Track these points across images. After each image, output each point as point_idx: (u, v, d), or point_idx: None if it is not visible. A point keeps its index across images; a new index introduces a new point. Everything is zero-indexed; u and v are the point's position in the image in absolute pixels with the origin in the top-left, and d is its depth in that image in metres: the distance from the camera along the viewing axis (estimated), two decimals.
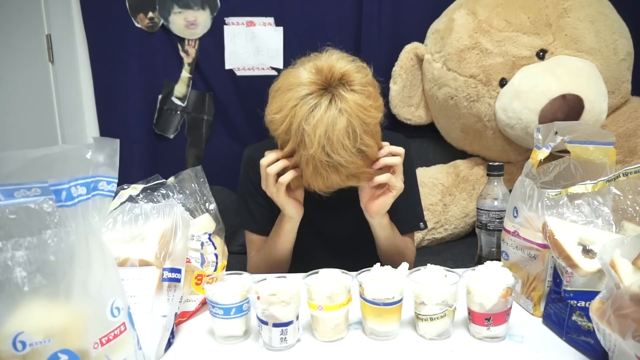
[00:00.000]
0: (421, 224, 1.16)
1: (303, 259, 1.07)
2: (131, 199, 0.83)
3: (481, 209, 1.00)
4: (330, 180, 0.88)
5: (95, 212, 0.56)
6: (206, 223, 0.91)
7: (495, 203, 0.98)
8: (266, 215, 1.11)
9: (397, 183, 0.94)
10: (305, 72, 0.88)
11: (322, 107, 0.84)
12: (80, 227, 0.53)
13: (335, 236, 1.15)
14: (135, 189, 0.85)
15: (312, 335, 0.74)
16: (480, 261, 0.99)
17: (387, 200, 0.96)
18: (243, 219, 1.16)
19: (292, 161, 0.92)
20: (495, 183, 0.99)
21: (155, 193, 0.87)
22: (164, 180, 0.90)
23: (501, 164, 1.01)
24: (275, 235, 1.06)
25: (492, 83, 1.44)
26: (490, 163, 1.01)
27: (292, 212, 0.99)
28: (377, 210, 0.98)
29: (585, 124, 1.30)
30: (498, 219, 0.98)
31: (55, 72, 1.72)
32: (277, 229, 1.06)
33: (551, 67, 1.37)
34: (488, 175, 1.01)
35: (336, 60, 0.88)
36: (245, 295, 0.73)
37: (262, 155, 0.96)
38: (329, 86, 0.86)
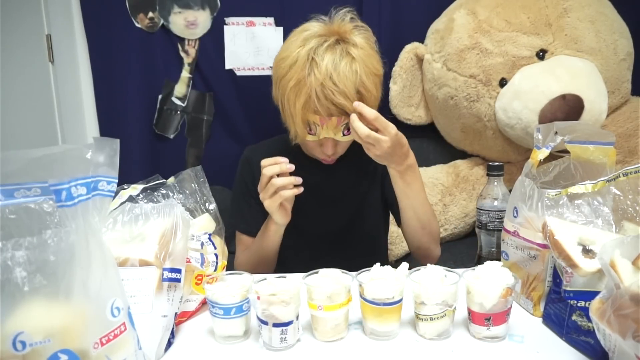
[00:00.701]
0: None
1: (302, 253, 1.07)
2: (131, 199, 0.83)
3: (481, 209, 1.00)
4: (340, 106, 0.92)
5: (95, 212, 0.56)
6: (206, 223, 0.91)
7: (495, 203, 0.98)
8: (257, 217, 1.12)
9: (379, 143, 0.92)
10: (315, 23, 0.98)
11: (329, 42, 0.93)
12: (80, 227, 0.53)
13: (326, 228, 1.16)
14: (135, 189, 0.85)
15: (312, 335, 0.74)
16: (480, 261, 0.99)
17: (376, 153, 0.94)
18: (233, 219, 1.18)
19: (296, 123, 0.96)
20: (495, 183, 0.99)
21: (155, 193, 0.87)
22: (164, 180, 0.90)
23: (501, 164, 1.01)
24: (262, 236, 1.07)
25: (492, 83, 1.44)
26: (490, 163, 1.01)
27: (279, 220, 1.01)
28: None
29: (585, 124, 1.30)
30: (498, 219, 0.98)
31: (55, 72, 1.72)
32: (264, 230, 1.07)
33: (551, 67, 1.36)
34: (488, 175, 1.01)
35: (344, 15, 0.98)
36: (246, 295, 0.73)
37: (260, 157, 0.97)
38: (337, 34, 0.96)
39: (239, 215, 1.17)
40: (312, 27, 0.97)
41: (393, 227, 1.41)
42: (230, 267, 0.96)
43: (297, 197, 0.99)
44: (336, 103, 0.92)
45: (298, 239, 1.12)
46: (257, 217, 1.12)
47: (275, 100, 1.06)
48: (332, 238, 1.16)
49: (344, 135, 0.98)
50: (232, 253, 1.12)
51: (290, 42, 0.97)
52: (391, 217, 1.31)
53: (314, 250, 1.11)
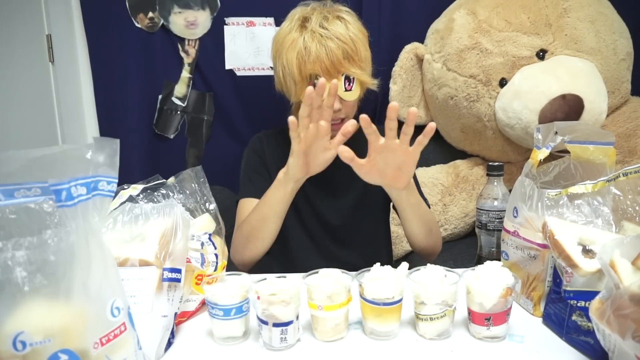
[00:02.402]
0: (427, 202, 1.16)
1: (306, 243, 1.08)
2: (131, 199, 0.83)
3: (481, 209, 1.00)
4: (331, 53, 0.98)
5: (96, 212, 0.56)
6: (206, 223, 0.91)
7: (495, 203, 0.98)
8: (265, 185, 1.09)
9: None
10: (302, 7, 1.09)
11: (319, 11, 1.04)
12: (80, 227, 0.53)
13: (331, 219, 1.16)
14: (135, 189, 0.85)
15: (312, 335, 0.74)
16: (480, 261, 0.99)
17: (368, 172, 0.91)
18: (243, 190, 1.16)
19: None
20: (495, 183, 0.99)
21: (156, 193, 0.87)
22: (164, 180, 0.90)
23: (501, 164, 1.01)
24: (271, 196, 1.02)
25: (492, 83, 1.44)
26: (490, 163, 1.01)
27: (295, 168, 0.95)
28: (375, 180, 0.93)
29: (585, 124, 1.30)
30: (498, 219, 0.98)
31: (55, 72, 1.72)
32: (274, 190, 1.01)
33: (551, 67, 1.36)
34: (488, 175, 1.01)
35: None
36: (245, 295, 0.73)
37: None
38: (325, 10, 1.05)
39: (249, 183, 1.15)
40: (301, 8, 1.07)
41: (393, 227, 1.41)
42: (230, 266, 0.96)
43: (306, 184, 1.00)
44: (329, 47, 0.97)
45: (302, 228, 1.12)
46: (261, 185, 1.09)
47: (278, 83, 1.11)
48: (336, 229, 1.16)
49: (345, 90, 1.01)
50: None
51: (284, 24, 1.06)
52: (391, 217, 1.31)
53: (318, 240, 1.11)
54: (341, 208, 1.16)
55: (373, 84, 1.08)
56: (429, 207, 1.16)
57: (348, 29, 1.01)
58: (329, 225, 1.16)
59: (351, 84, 1.01)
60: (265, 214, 1.02)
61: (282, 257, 1.18)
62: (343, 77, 1.01)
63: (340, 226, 1.16)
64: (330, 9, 1.05)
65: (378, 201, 1.21)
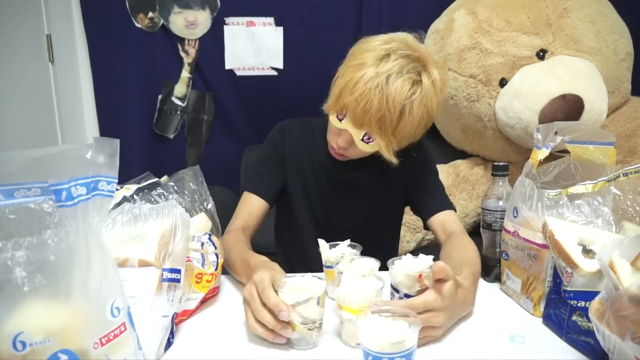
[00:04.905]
0: (453, 205, 1.14)
1: (315, 244, 1.06)
2: (125, 199, 0.83)
3: (485, 209, 1.00)
4: (369, 108, 0.88)
5: (95, 212, 0.56)
6: (204, 222, 0.91)
7: (500, 203, 0.97)
8: (270, 184, 1.11)
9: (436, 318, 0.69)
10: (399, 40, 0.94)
11: (410, 63, 0.91)
12: (80, 227, 0.53)
13: (344, 220, 1.16)
14: (128, 189, 0.85)
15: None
16: (485, 261, 0.99)
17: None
18: (250, 181, 1.14)
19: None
20: (500, 183, 0.99)
21: (153, 192, 0.87)
22: (158, 179, 0.90)
23: (506, 164, 1.00)
24: (232, 266, 0.96)
25: (492, 83, 1.44)
26: (495, 163, 1.00)
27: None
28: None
29: (585, 124, 1.30)
30: (502, 219, 0.98)
31: (55, 72, 1.72)
32: (238, 269, 0.92)
33: (551, 67, 1.36)
34: (493, 175, 1.01)
35: (428, 47, 0.96)
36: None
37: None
38: (419, 60, 0.92)
39: (258, 177, 1.13)
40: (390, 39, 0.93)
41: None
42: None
43: (316, 187, 1.00)
44: (371, 102, 0.88)
45: (315, 228, 1.12)
46: (270, 184, 1.10)
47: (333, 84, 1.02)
48: (350, 232, 1.16)
49: (362, 140, 0.95)
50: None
51: (373, 42, 0.93)
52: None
53: (329, 241, 1.10)
54: (355, 213, 1.15)
55: (390, 160, 0.95)
56: (455, 210, 1.12)
57: (412, 98, 0.89)
58: (341, 229, 1.16)
59: (371, 140, 0.94)
60: (226, 261, 0.95)
61: (296, 255, 1.19)
62: (365, 133, 0.94)
63: (352, 231, 1.16)
64: (415, 56, 0.91)
65: (393, 208, 1.20)
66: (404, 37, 0.94)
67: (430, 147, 1.71)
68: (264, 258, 0.86)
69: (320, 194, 1.11)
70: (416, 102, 0.90)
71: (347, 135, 0.97)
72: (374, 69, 0.89)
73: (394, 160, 0.95)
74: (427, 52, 0.93)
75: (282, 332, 0.67)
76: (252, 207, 1.10)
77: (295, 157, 1.11)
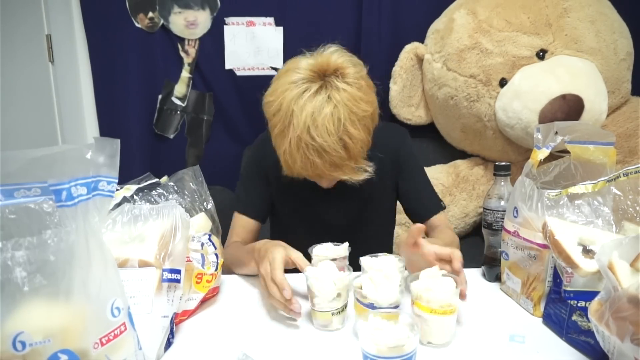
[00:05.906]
0: (442, 203, 1.18)
1: (304, 244, 1.07)
2: (125, 200, 0.83)
3: (487, 209, 0.99)
4: (315, 167, 0.90)
5: (96, 212, 0.56)
6: (203, 222, 0.91)
7: (502, 203, 0.97)
8: (255, 200, 1.13)
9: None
10: (303, 60, 0.92)
11: (311, 91, 0.88)
12: (80, 227, 0.53)
13: (335, 222, 1.16)
14: (128, 189, 0.85)
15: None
16: (486, 261, 0.99)
17: None
18: (236, 201, 1.17)
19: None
20: (502, 183, 0.99)
21: (153, 192, 0.86)
22: (157, 179, 0.90)
23: (508, 163, 1.00)
24: (236, 261, 1.03)
25: (492, 83, 1.44)
26: (497, 163, 1.00)
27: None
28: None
29: (585, 124, 1.30)
30: (504, 219, 0.98)
31: (55, 72, 1.72)
32: (244, 259, 0.99)
33: (551, 67, 1.36)
34: (495, 175, 1.00)
35: (333, 53, 0.92)
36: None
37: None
38: (324, 76, 0.89)
39: (243, 194, 1.16)
40: (301, 66, 0.91)
41: (397, 229, 1.41)
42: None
43: (302, 192, 1.00)
44: (315, 163, 0.88)
45: (307, 231, 1.12)
46: (257, 202, 1.13)
47: None
48: (338, 229, 1.16)
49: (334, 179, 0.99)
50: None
51: (279, 82, 0.92)
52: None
53: (319, 240, 1.10)
54: (344, 214, 1.15)
55: (367, 171, 0.95)
56: (444, 208, 1.16)
57: (341, 124, 0.86)
58: (332, 226, 1.16)
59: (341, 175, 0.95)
60: (235, 266, 1.04)
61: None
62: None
63: (344, 226, 1.16)
64: (328, 83, 0.89)
65: (382, 208, 1.21)
66: (297, 64, 0.92)
67: (430, 147, 1.73)
68: (266, 240, 0.93)
69: (308, 199, 1.11)
70: (347, 122, 0.87)
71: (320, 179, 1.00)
72: (294, 130, 0.87)
73: (369, 169, 0.95)
74: (318, 63, 0.90)
75: (291, 306, 0.77)
76: (244, 225, 1.14)
77: (276, 165, 1.10)
